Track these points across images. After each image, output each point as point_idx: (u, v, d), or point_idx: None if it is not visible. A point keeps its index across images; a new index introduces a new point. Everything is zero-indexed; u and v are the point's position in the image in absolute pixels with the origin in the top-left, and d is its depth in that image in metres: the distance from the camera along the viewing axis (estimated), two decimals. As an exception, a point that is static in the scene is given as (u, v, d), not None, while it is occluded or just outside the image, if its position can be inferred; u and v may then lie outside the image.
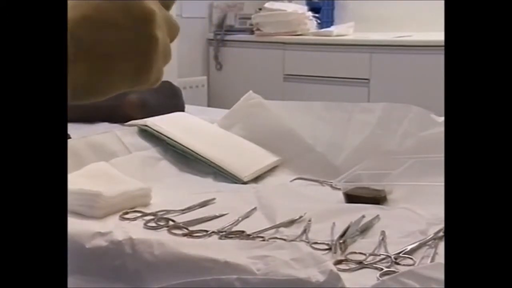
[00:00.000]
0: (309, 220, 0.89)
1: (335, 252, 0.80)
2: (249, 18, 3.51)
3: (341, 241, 0.81)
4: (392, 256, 0.78)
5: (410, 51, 3.05)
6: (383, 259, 0.78)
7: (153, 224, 0.88)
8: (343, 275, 0.71)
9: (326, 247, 0.81)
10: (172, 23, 0.51)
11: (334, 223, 0.87)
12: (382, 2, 3.61)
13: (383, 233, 0.85)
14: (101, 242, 0.82)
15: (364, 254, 0.79)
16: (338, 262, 0.77)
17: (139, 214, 0.92)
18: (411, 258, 0.77)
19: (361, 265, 0.77)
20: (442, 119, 1.19)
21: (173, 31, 0.51)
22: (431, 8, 3.45)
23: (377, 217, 0.92)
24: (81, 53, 0.45)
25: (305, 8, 3.53)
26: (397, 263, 0.77)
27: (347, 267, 0.77)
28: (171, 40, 0.51)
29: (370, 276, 0.74)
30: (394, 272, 0.73)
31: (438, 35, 3.09)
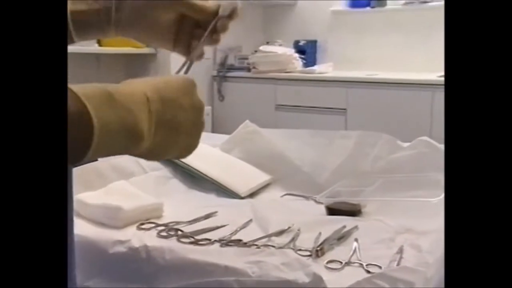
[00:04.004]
0: (298, 230, 0.88)
1: (314, 258, 0.78)
2: (247, 58, 3.54)
3: (318, 248, 0.80)
4: (364, 264, 0.77)
5: (380, 86, 3.07)
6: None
7: (165, 234, 0.87)
8: (325, 276, 0.71)
9: (309, 253, 0.80)
10: None
11: (320, 233, 0.86)
12: (356, 46, 3.66)
13: (356, 240, 0.84)
14: (121, 248, 0.82)
15: (341, 262, 0.77)
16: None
17: (153, 225, 0.91)
18: (379, 266, 0.76)
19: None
20: (406, 144, 1.19)
21: None
22: (395, 51, 3.50)
23: (356, 227, 0.91)
24: (160, 125, 0.47)
25: (293, 50, 3.57)
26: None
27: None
28: None
29: (349, 278, 0.73)
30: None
31: (400, 74, 3.15)
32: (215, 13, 0.64)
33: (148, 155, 0.50)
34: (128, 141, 0.46)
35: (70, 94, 0.41)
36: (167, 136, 0.49)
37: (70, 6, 0.60)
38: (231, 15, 0.64)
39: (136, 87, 0.48)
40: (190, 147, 0.54)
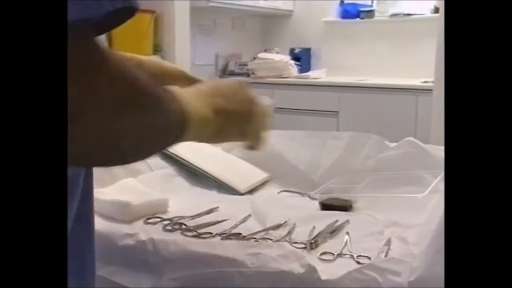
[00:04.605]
0: (294, 224, 0.88)
1: (308, 250, 0.78)
2: (246, 65, 3.55)
3: (312, 241, 0.80)
4: (355, 255, 0.76)
5: (369, 91, 3.08)
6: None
7: (170, 228, 0.87)
8: (318, 267, 0.70)
9: (303, 245, 0.80)
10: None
11: (314, 227, 0.86)
12: (347, 54, 3.66)
13: (348, 233, 0.84)
14: (129, 241, 0.81)
15: (333, 254, 0.77)
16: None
17: (158, 219, 0.91)
18: (368, 257, 0.76)
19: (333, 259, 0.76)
20: (393, 144, 1.19)
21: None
22: (383, 59, 3.50)
23: (347, 221, 0.90)
24: (221, 111, 0.56)
25: (289, 57, 3.58)
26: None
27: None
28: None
29: (341, 268, 0.73)
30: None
31: (387, 80, 3.16)
32: None
33: (213, 139, 0.59)
34: (203, 126, 0.54)
35: (173, 97, 0.49)
36: (223, 122, 0.57)
37: None
38: None
39: (199, 87, 0.59)
40: (246, 132, 0.63)
